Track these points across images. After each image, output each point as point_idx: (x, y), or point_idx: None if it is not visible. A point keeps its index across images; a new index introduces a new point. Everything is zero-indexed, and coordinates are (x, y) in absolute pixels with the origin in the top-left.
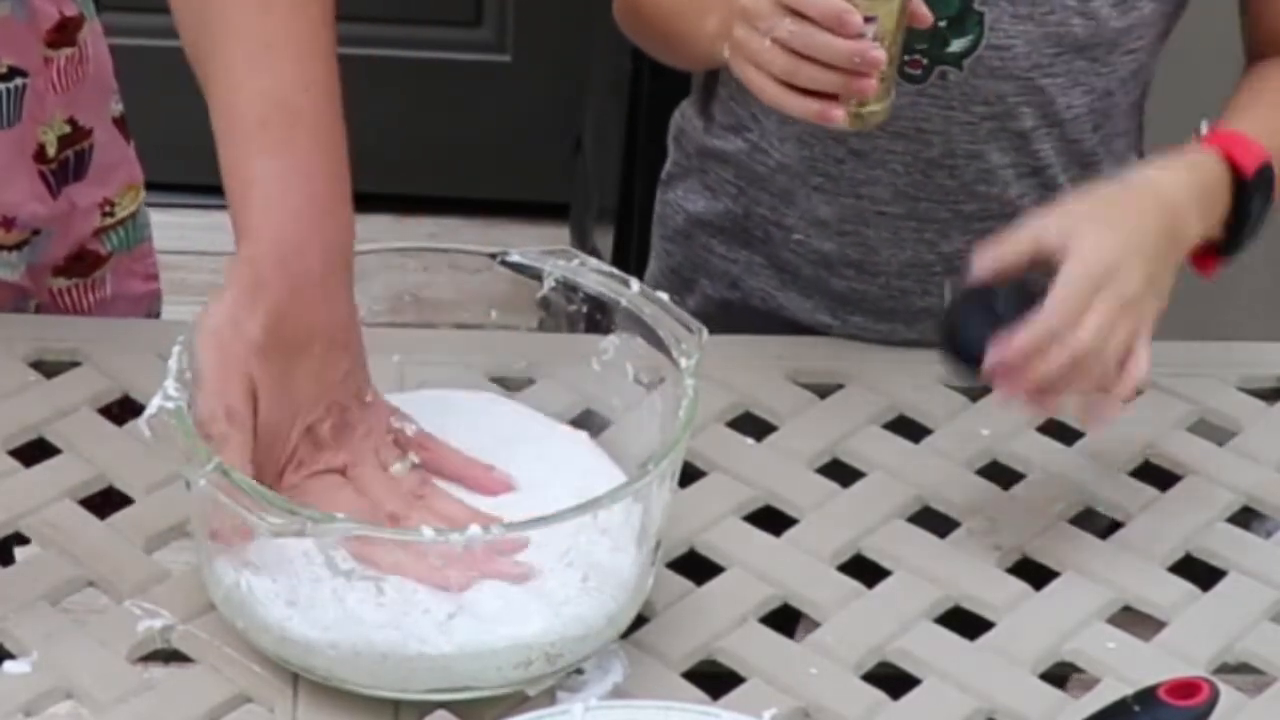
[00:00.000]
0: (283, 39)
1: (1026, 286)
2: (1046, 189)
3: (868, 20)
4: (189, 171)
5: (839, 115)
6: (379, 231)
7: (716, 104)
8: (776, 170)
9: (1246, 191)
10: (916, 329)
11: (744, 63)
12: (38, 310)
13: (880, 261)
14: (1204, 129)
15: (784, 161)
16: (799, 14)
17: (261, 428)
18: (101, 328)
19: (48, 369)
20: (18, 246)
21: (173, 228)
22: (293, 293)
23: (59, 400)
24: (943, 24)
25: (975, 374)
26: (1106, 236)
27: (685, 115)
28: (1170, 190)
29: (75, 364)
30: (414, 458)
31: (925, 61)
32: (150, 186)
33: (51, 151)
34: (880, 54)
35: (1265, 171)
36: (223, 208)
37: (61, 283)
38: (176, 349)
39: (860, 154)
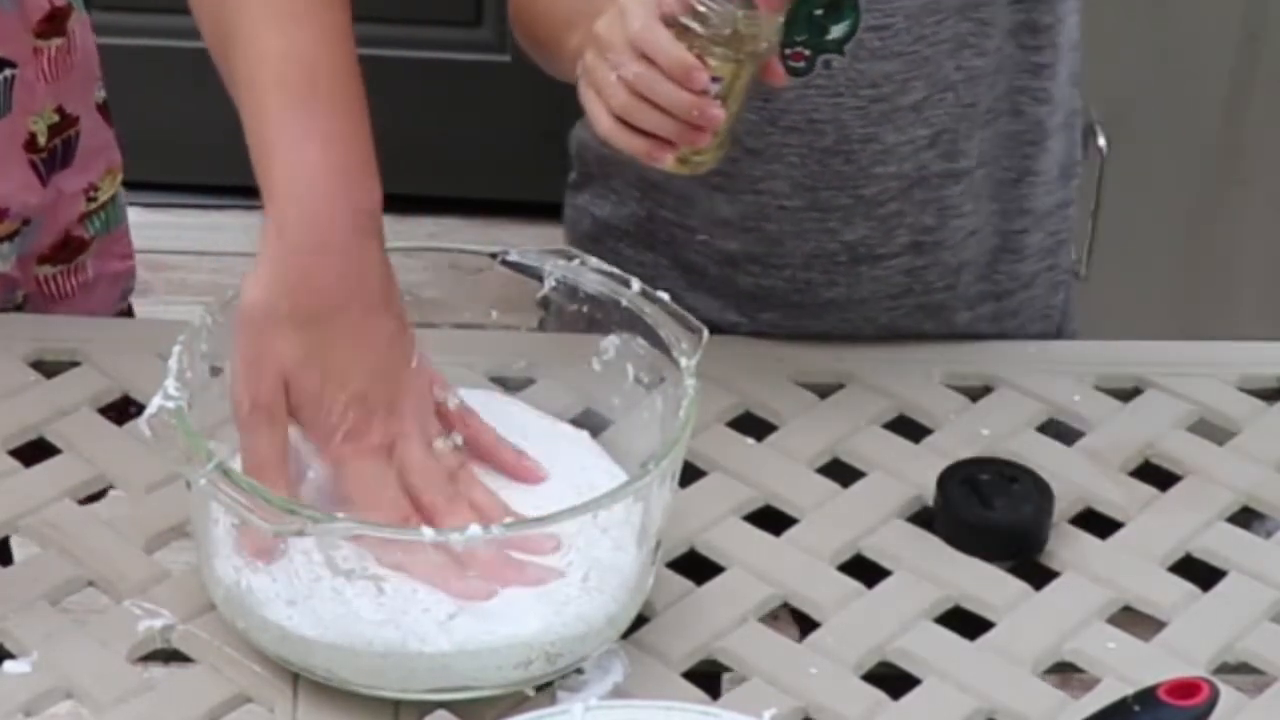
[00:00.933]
0: (303, 7)
1: (1010, 469)
2: (948, 158)
3: (714, 80)
4: (189, 171)
5: (667, 160)
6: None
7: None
8: (673, 175)
9: None
10: (826, 321)
11: (588, 89)
12: (25, 300)
13: (784, 255)
14: None
15: None
16: (648, 58)
17: (303, 400)
18: (101, 328)
19: (48, 369)
20: (9, 237)
21: (173, 228)
22: (321, 254)
23: (59, 400)
24: (819, 12)
25: (971, 543)
26: None
27: (584, 126)
28: None
29: (75, 364)
30: (457, 438)
31: (808, 53)
32: (150, 186)
33: (42, 141)
34: (719, 113)
35: None
36: (222, 208)
37: (47, 270)
38: (177, 349)
39: (755, 151)
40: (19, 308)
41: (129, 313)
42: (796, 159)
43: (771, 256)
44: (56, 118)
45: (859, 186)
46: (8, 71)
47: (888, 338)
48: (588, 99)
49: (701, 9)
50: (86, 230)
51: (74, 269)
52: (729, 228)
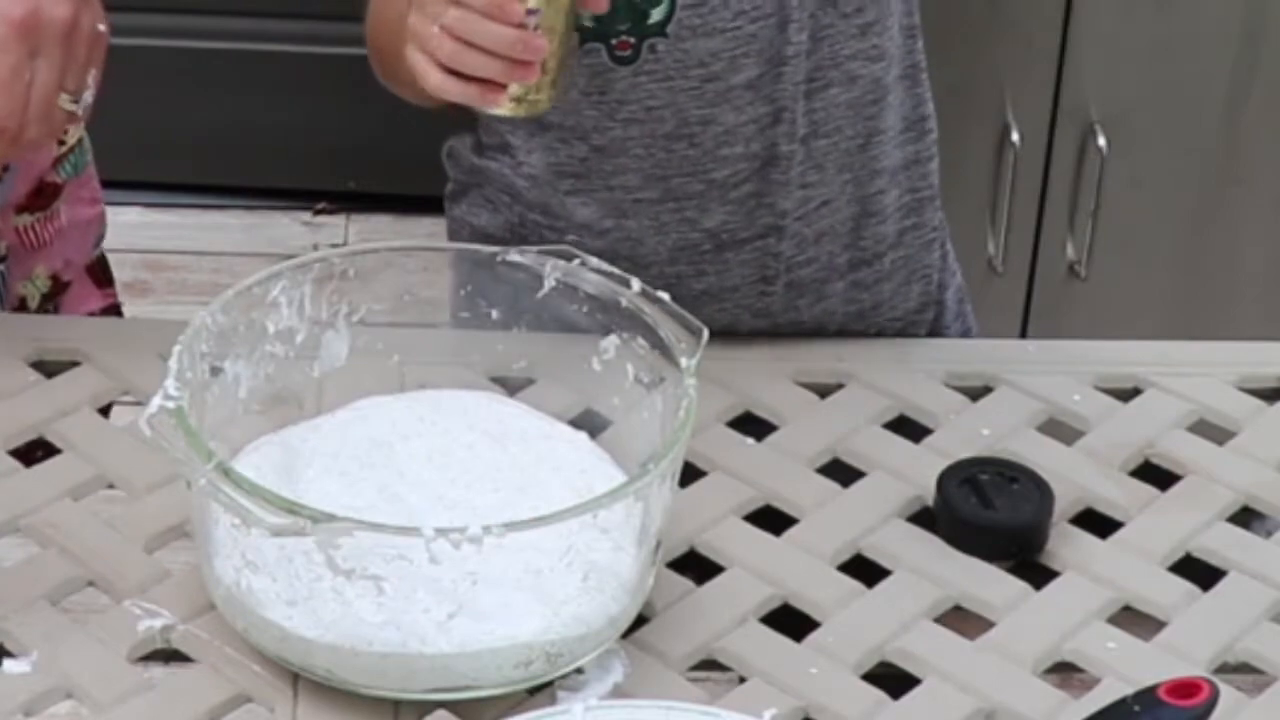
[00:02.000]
0: None
1: (1010, 469)
2: (790, 136)
3: (531, 12)
4: (189, 172)
5: (499, 100)
6: (379, 231)
7: (480, 127)
8: (532, 184)
9: None
10: (702, 314)
11: (415, 50)
12: (7, 253)
13: (648, 252)
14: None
15: (534, 173)
16: (463, 3)
17: None
18: (101, 328)
19: (48, 369)
20: None
21: (173, 228)
22: None
23: (59, 400)
24: None
25: (972, 543)
26: None
27: (457, 139)
28: None
29: (75, 364)
30: None
31: (631, 40)
32: (150, 186)
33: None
34: (542, 42)
35: None
36: (222, 208)
37: (25, 219)
38: (177, 349)
39: (600, 148)
40: (2, 259)
41: (103, 262)
42: (642, 150)
43: (637, 255)
44: None
45: (708, 170)
46: None
47: (765, 329)
48: (414, 59)
49: None
50: (59, 175)
51: (49, 216)
52: (591, 230)
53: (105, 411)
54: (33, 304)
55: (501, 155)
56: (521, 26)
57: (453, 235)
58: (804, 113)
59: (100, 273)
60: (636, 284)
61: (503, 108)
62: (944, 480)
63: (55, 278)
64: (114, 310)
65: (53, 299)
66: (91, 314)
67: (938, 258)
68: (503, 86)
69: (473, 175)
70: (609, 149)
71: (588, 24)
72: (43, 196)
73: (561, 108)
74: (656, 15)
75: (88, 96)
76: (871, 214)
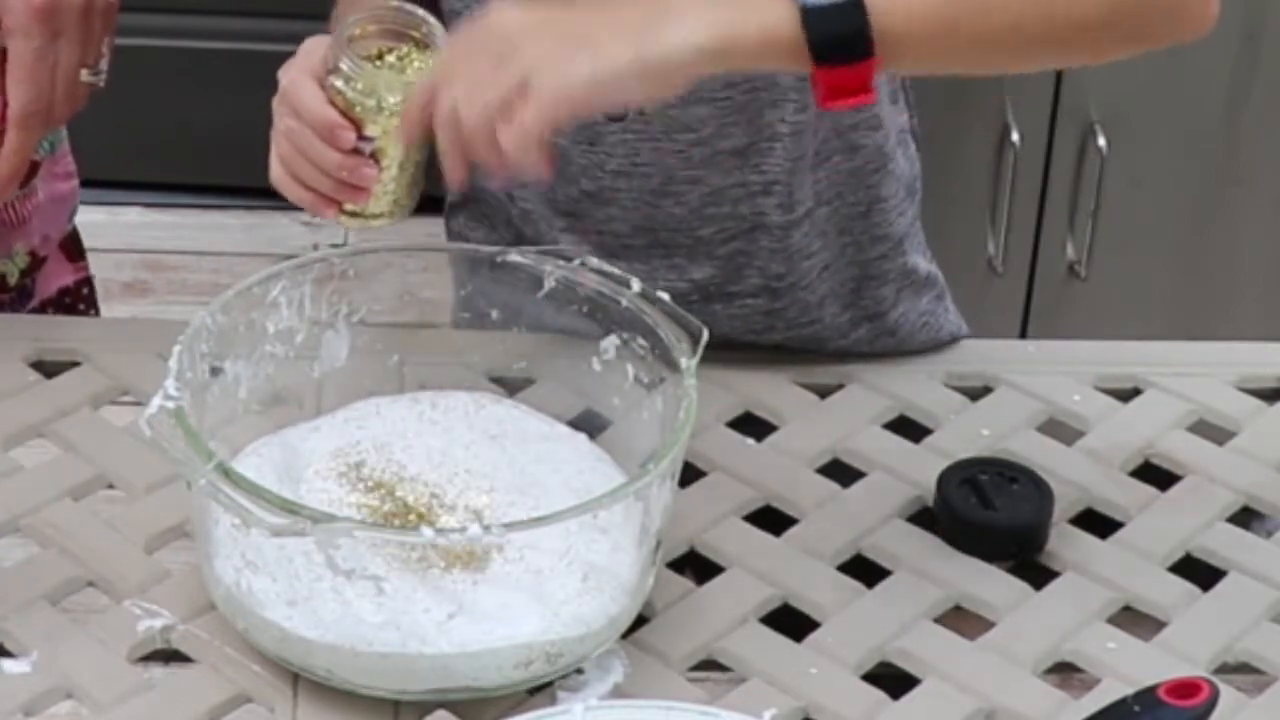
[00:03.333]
0: None
1: (1010, 469)
2: (786, 209)
3: (364, 139)
4: (189, 172)
5: (330, 214)
6: (379, 232)
7: None
8: (524, 216)
9: None
10: None
11: (272, 136)
12: None
13: None
14: None
15: (528, 208)
16: (300, 117)
17: None
18: (101, 328)
19: (48, 369)
20: None
21: (173, 228)
22: None
23: (59, 400)
24: None
25: (972, 543)
26: (503, 14)
27: None
28: None
29: (75, 364)
30: None
31: None
32: (150, 187)
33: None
34: (371, 171)
35: None
36: (222, 208)
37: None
38: (177, 349)
39: (591, 194)
40: None
41: (75, 236)
42: (630, 202)
43: None
44: None
45: (694, 228)
46: None
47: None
48: (272, 141)
49: (344, 68)
50: (38, 152)
51: (28, 194)
52: (586, 260)
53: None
54: (12, 280)
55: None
56: (355, 151)
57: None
58: (798, 187)
59: (72, 246)
60: (636, 284)
61: (334, 219)
62: (944, 480)
63: (33, 254)
64: (86, 283)
65: (30, 274)
66: (64, 288)
67: (929, 302)
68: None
69: (474, 190)
70: (598, 196)
71: None
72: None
73: (552, 151)
74: None
75: (103, 64)
76: (872, 277)
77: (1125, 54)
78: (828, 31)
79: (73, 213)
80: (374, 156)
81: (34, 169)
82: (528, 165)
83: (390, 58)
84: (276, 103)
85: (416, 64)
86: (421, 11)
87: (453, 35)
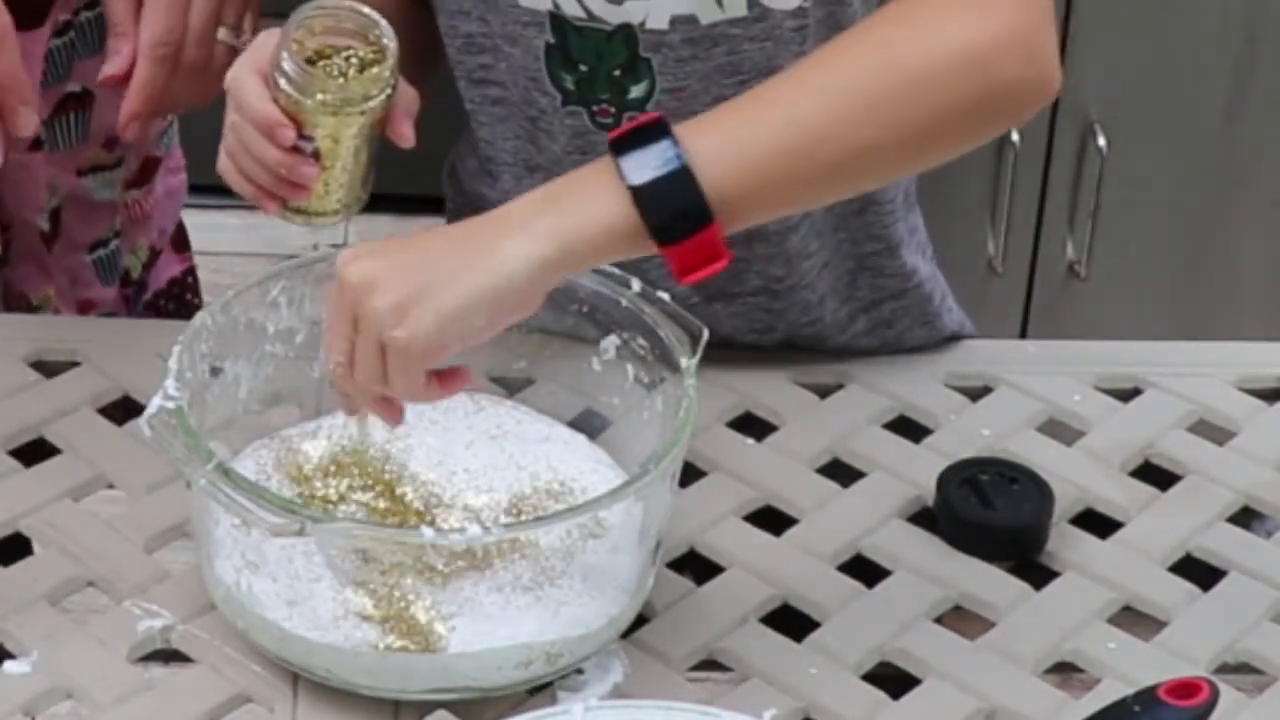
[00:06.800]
0: None
1: (1010, 469)
2: (781, 220)
3: (305, 138)
4: (190, 172)
5: (272, 209)
6: (379, 231)
7: (477, 153)
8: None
9: (616, 156)
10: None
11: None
12: (122, 228)
13: None
14: None
15: None
16: (242, 112)
17: None
18: (101, 328)
19: (48, 369)
20: (116, 164)
21: None
22: None
23: (59, 400)
24: (618, 73)
25: (973, 543)
26: (350, 269)
27: (460, 154)
28: (497, 213)
29: (75, 364)
30: None
31: (612, 110)
32: None
33: None
34: (310, 169)
35: (641, 133)
36: (222, 208)
37: (134, 195)
38: (177, 349)
39: None
40: (117, 235)
41: (182, 228)
42: None
43: None
44: None
45: None
46: (98, 9)
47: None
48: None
49: (286, 67)
50: (159, 149)
51: (149, 190)
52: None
53: (121, 412)
54: (135, 274)
55: (496, 188)
56: (295, 150)
57: None
58: None
59: (179, 238)
60: (636, 284)
61: (278, 215)
62: (944, 480)
63: (152, 248)
64: (191, 273)
65: (149, 268)
66: (174, 279)
67: (939, 302)
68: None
69: (470, 200)
70: None
71: (569, 87)
72: (145, 171)
73: (549, 157)
74: (636, 92)
75: (245, 30)
76: (869, 269)
77: (977, 143)
78: (664, 210)
79: (180, 205)
80: (316, 155)
81: (156, 165)
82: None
83: (338, 59)
84: (230, 93)
85: (361, 66)
86: (370, 12)
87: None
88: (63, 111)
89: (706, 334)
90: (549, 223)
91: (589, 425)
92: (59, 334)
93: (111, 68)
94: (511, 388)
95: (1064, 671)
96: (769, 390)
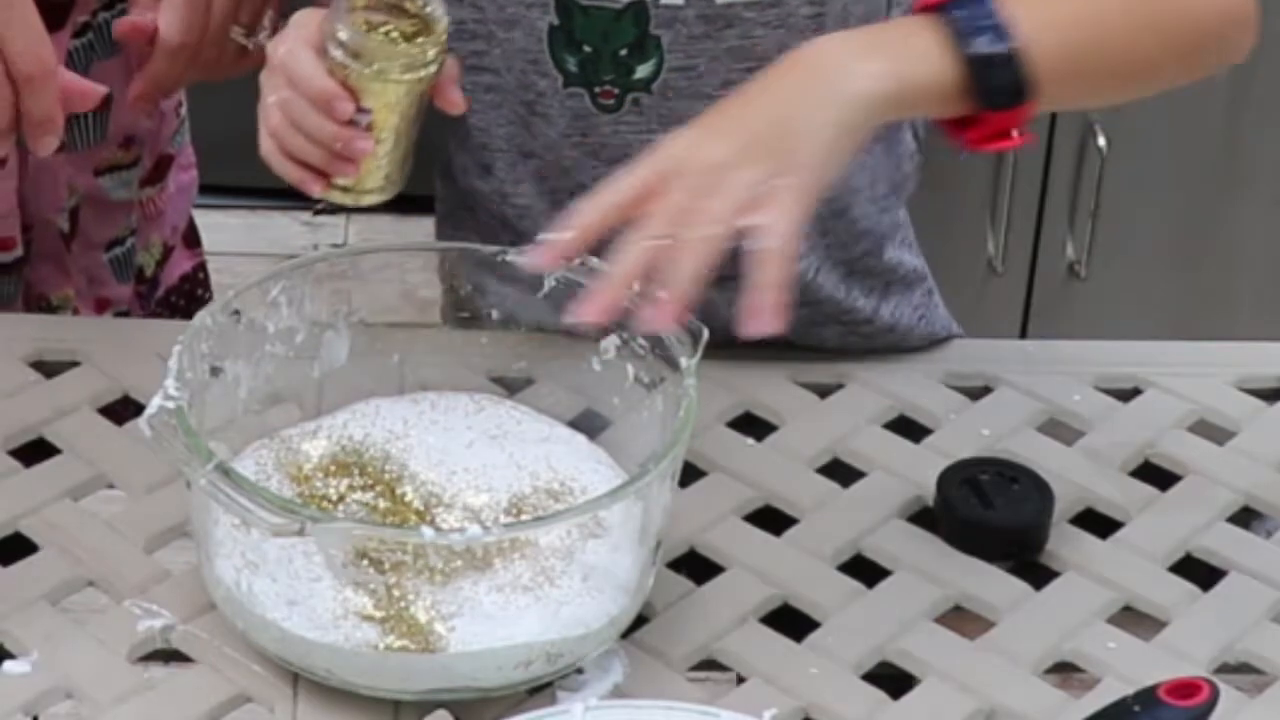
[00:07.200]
0: None
1: (1010, 469)
2: None
3: (362, 110)
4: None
5: (317, 190)
6: (379, 231)
7: (467, 149)
8: (520, 213)
9: (952, 22)
10: None
11: (259, 110)
12: (137, 225)
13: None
14: None
15: (523, 203)
16: (295, 87)
17: None
18: (101, 328)
19: (48, 369)
20: (133, 164)
21: None
22: None
23: (59, 400)
24: (624, 52)
25: (973, 543)
26: (682, 134)
27: (451, 150)
28: (815, 49)
29: (75, 364)
30: None
31: (616, 91)
32: None
33: None
34: (366, 144)
35: (979, 9)
36: (223, 208)
37: (148, 192)
38: (177, 349)
39: (585, 185)
40: (133, 232)
41: (193, 224)
42: None
43: None
44: None
45: None
46: (119, 7)
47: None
48: (259, 116)
49: (344, 38)
50: (172, 146)
51: (163, 187)
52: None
53: (121, 412)
54: (149, 271)
55: (490, 180)
56: (350, 123)
57: None
58: None
59: (190, 234)
60: (636, 284)
61: (324, 194)
62: (944, 480)
63: (165, 245)
64: (201, 268)
65: (161, 265)
66: (185, 274)
67: (922, 297)
68: (324, 175)
69: (465, 198)
70: (591, 189)
71: (572, 69)
72: (159, 169)
73: (544, 142)
74: (642, 72)
75: (262, 38)
76: (857, 274)
77: (1213, 69)
78: (995, 83)
79: (191, 200)
80: (368, 130)
81: (169, 163)
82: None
83: (377, 34)
84: (265, 76)
85: (417, 38)
86: None
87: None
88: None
89: (706, 334)
90: (880, 67)
91: (589, 425)
92: (59, 334)
93: (135, 19)
94: (511, 388)
95: (1064, 671)
96: (769, 390)
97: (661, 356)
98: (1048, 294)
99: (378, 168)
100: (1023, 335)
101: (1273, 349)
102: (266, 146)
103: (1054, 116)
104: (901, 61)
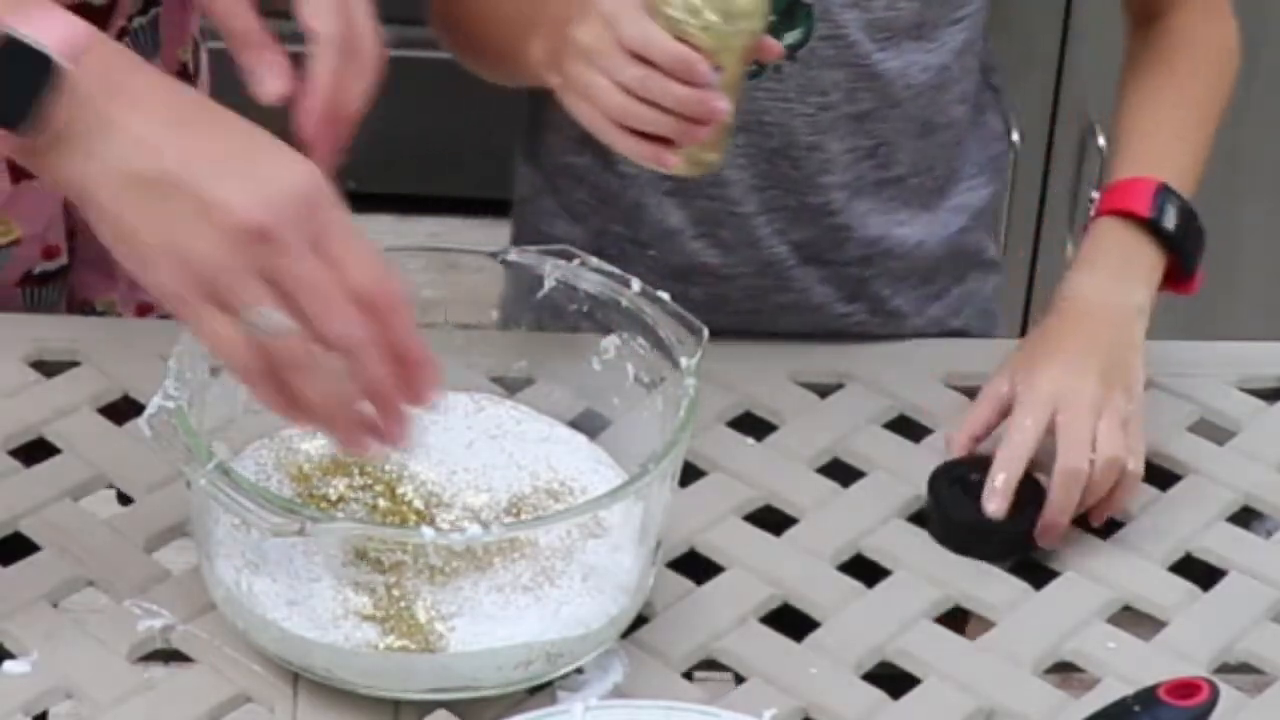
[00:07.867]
0: None
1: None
2: (883, 168)
3: (716, 69)
4: None
5: (672, 161)
6: (379, 231)
7: (565, 117)
8: (627, 183)
9: (1157, 224)
10: (779, 324)
11: (578, 99)
12: None
13: (737, 263)
14: (1094, 198)
15: (631, 172)
16: (644, 59)
17: None
18: (101, 328)
19: (48, 369)
20: None
21: None
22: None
23: (59, 400)
24: (773, 18)
25: (965, 544)
26: (1048, 369)
27: (537, 128)
28: (1091, 293)
29: (75, 364)
30: None
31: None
32: None
33: (191, 68)
34: (723, 104)
35: (1161, 198)
36: None
37: None
38: (177, 349)
39: None
40: None
41: None
42: (745, 160)
43: (724, 266)
44: (192, 43)
45: (804, 194)
46: (153, 11)
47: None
48: (580, 109)
49: None
50: None
51: None
52: (680, 237)
53: (121, 412)
54: None
55: (586, 150)
56: (705, 86)
57: (517, 240)
58: (900, 149)
59: None
60: (636, 284)
61: (674, 168)
62: (934, 480)
63: None
64: None
65: None
66: None
67: (991, 288)
68: (672, 144)
69: (553, 176)
70: None
71: None
72: None
73: None
74: (788, 39)
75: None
76: (954, 250)
77: None
78: (1189, 249)
79: None
80: (719, 90)
81: None
82: None
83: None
84: (591, 63)
85: None
86: None
87: None
88: None
89: (707, 333)
90: (1144, 296)
91: (589, 425)
92: (59, 334)
93: (278, 80)
94: (511, 388)
95: (1064, 671)
96: (769, 390)
97: (662, 356)
98: (1048, 294)
99: (726, 130)
100: (1023, 335)
101: (1273, 349)
102: (609, 131)
103: (1054, 116)
104: (1151, 285)
